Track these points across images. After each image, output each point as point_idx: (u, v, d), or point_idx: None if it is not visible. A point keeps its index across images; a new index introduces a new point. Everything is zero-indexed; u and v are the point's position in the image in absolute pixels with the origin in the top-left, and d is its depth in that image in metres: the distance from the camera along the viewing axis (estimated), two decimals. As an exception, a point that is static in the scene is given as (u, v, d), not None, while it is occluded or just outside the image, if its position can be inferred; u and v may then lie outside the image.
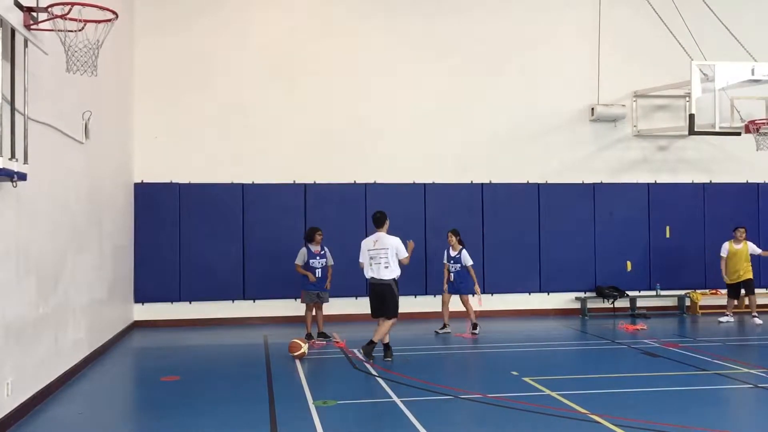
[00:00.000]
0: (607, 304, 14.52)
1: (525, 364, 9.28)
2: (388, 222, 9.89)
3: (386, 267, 9.52)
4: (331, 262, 11.51)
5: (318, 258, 11.33)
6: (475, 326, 11.95)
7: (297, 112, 13.92)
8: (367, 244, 9.74)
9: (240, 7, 13.92)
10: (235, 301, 13.56)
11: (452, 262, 12.15)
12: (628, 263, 14.77)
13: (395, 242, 9.65)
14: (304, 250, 11.40)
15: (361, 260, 9.77)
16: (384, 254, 9.53)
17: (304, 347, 9.68)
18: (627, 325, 12.81)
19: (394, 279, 9.63)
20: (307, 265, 11.29)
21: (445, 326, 12.19)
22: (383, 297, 9.63)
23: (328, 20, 14.16)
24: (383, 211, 9.98)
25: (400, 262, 9.68)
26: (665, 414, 6.70)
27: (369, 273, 9.63)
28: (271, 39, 13.97)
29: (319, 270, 11.30)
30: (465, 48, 14.47)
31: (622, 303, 14.57)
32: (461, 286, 12.12)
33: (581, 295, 14.61)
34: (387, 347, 9.75)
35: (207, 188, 13.53)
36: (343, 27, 14.18)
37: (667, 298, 14.84)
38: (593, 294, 14.60)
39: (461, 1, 14.53)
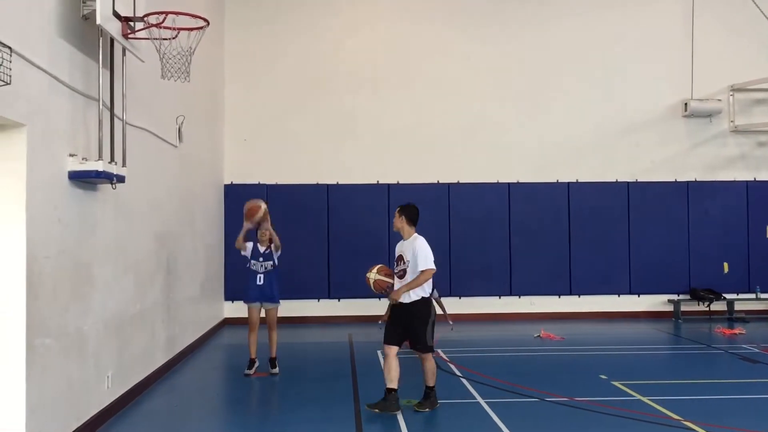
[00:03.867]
0: (702, 307, 13.93)
1: (614, 368, 9.03)
2: None
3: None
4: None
5: None
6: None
7: (381, 112, 14.02)
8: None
9: (328, 11, 14.13)
10: (320, 300, 13.78)
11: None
12: (725, 265, 14.12)
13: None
14: None
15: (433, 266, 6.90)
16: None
17: (263, 204, 8.62)
18: (724, 329, 12.27)
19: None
20: None
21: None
22: None
23: (413, 23, 14.17)
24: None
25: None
26: (765, 423, 6.38)
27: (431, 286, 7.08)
28: (357, 41, 14.11)
29: None
30: (549, 42, 14.19)
31: (718, 306, 13.93)
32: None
33: (674, 297, 14.07)
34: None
35: (293, 189, 13.80)
36: (426, 29, 14.16)
37: (768, 301, 14.13)
38: (687, 296, 14.03)
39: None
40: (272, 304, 8.89)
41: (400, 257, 6.99)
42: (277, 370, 8.79)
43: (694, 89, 14.19)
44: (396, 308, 6.99)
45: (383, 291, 7.19)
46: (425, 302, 6.90)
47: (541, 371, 9.07)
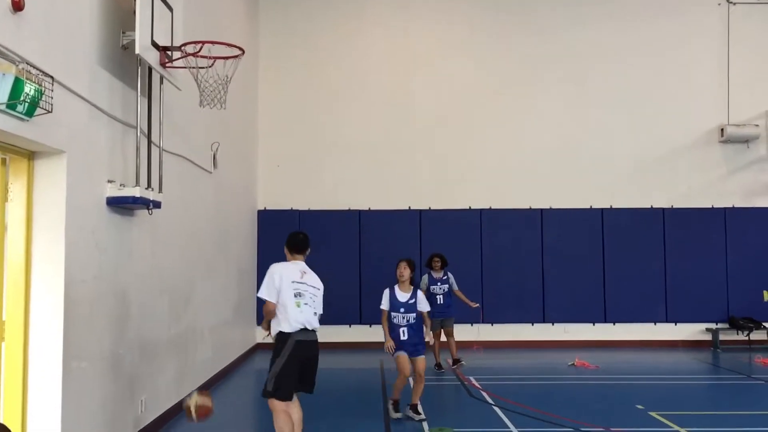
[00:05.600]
0: (741, 336, 13.60)
1: (651, 398, 8.84)
2: None
3: (316, 315, 6.24)
4: (455, 287, 11.34)
5: (439, 284, 11.25)
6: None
7: (411, 139, 14.07)
8: (288, 272, 6.06)
9: (365, 38, 14.28)
10: (352, 326, 13.75)
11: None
12: (765, 293, 13.80)
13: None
14: (425, 277, 11.37)
15: (271, 298, 5.94)
16: (318, 296, 6.34)
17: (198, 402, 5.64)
18: (764, 359, 11.94)
19: None
20: (428, 292, 11.22)
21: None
22: (316, 362, 6.27)
23: (444, 48, 14.27)
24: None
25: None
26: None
27: (296, 319, 5.94)
28: (386, 70, 14.22)
29: (441, 296, 11.18)
30: (586, 71, 14.14)
31: (758, 335, 13.59)
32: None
33: (712, 326, 13.76)
34: None
35: (325, 215, 13.87)
36: (457, 53, 14.23)
37: (811, 330, 13.73)
38: (726, 325, 13.72)
39: (578, 23, 14.24)
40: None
41: None
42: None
43: (731, 114, 14.01)
44: (304, 347, 6.07)
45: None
46: (280, 338, 5.93)
47: (575, 400, 8.91)
